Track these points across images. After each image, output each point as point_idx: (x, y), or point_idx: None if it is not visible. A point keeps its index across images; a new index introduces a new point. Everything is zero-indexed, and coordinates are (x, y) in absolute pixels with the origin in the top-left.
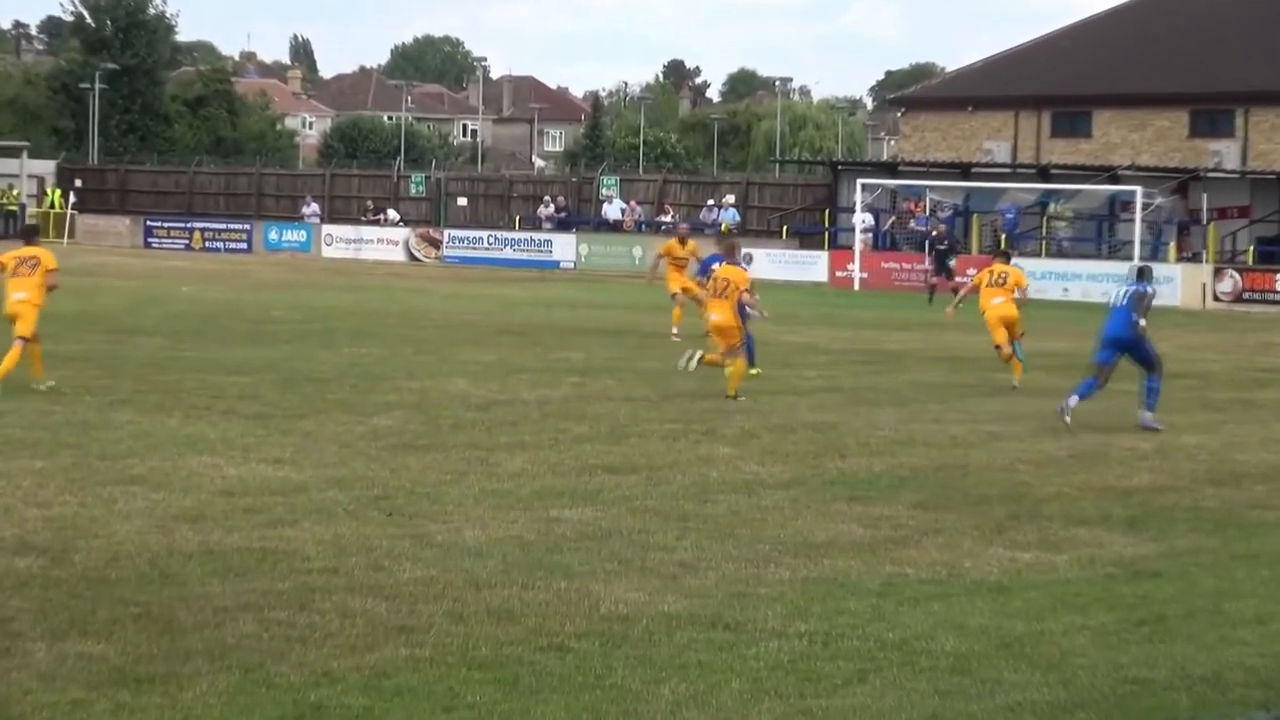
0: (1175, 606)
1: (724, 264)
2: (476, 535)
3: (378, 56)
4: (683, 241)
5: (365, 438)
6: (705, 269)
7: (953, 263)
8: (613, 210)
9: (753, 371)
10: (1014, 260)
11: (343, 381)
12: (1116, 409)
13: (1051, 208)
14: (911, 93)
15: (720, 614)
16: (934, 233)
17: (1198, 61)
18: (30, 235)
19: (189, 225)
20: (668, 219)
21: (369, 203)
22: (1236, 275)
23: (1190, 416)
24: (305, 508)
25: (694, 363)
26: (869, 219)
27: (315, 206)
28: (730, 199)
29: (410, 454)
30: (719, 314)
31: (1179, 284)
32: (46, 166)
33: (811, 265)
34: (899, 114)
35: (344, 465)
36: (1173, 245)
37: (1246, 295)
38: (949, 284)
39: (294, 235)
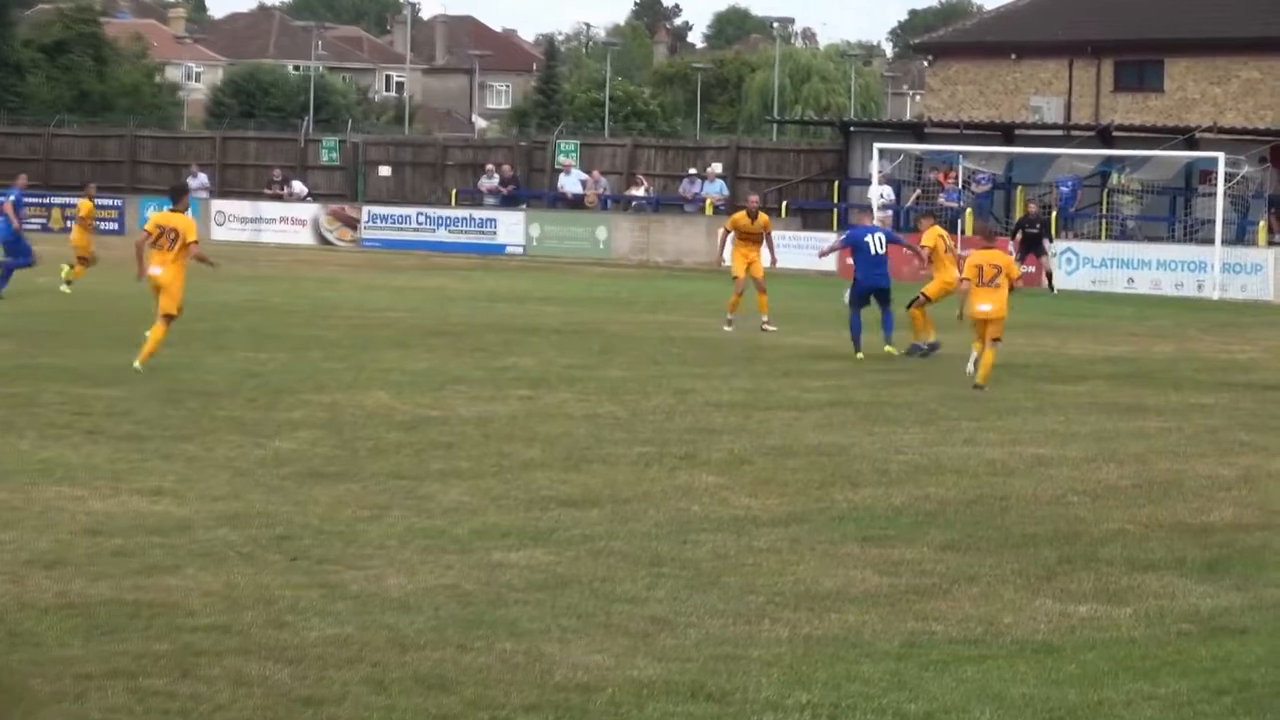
0: (1265, 671)
1: (986, 249)
2: (402, 584)
3: None
4: (753, 216)
5: (264, 464)
6: (854, 240)
7: (1048, 247)
8: (571, 182)
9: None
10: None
11: (236, 395)
12: (1191, 428)
13: (1114, 179)
14: (941, 37)
15: (702, 681)
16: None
17: None
18: (178, 196)
19: (47, 200)
20: (639, 193)
21: (276, 172)
22: None
23: None
24: (189, 550)
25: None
26: (888, 192)
27: (203, 178)
28: (717, 168)
29: (320, 484)
30: (993, 303)
31: (1270, 272)
32: None
33: (817, 249)
34: (925, 63)
35: (237, 498)
36: (1263, 225)
37: None
38: (1040, 271)
39: None
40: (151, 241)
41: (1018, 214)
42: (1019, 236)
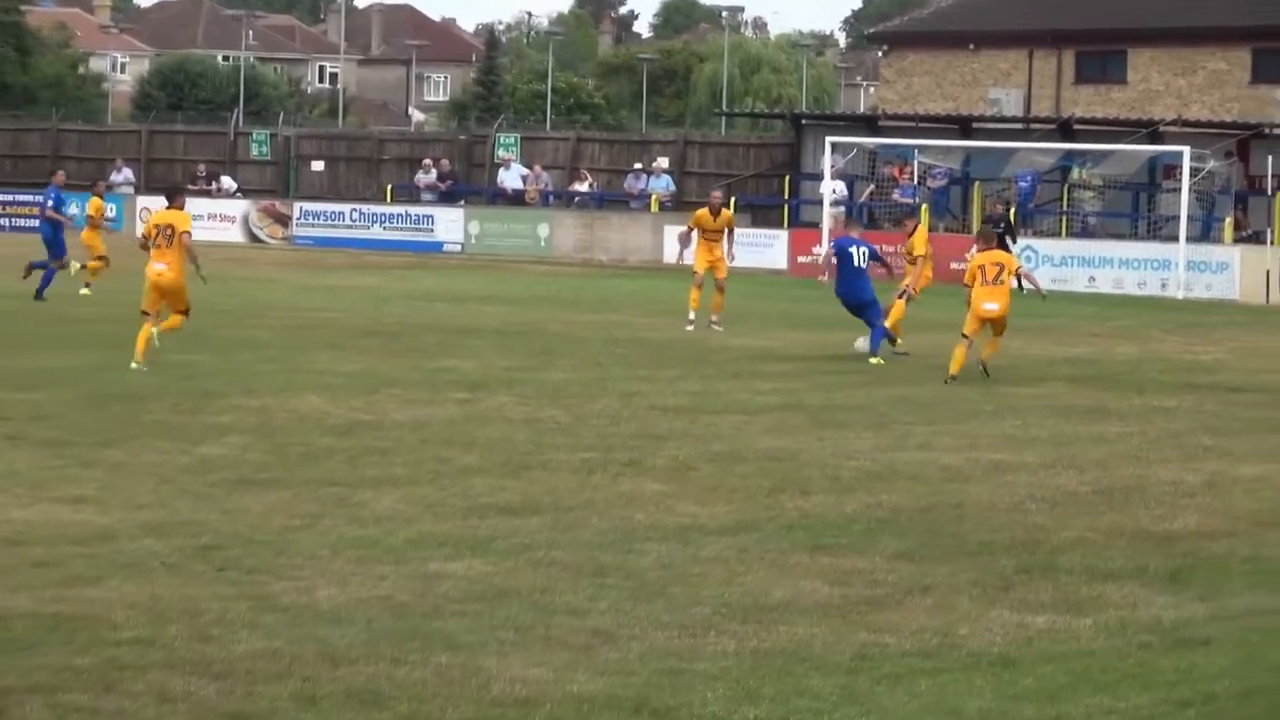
0: (1229, 684)
1: (988, 249)
2: (334, 596)
3: None
4: (715, 213)
5: (191, 471)
6: (838, 250)
7: (1014, 246)
8: (512, 178)
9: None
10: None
11: (162, 398)
12: (1153, 432)
13: (1075, 174)
14: (896, 26)
15: (646, 696)
16: (993, 209)
17: None
18: (172, 196)
19: None
20: (583, 188)
21: (201, 167)
22: None
23: (1250, 441)
24: (112, 561)
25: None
26: (841, 188)
27: (129, 173)
28: (663, 163)
29: (249, 492)
30: (999, 302)
31: (1237, 271)
32: None
33: (767, 248)
34: (880, 54)
35: (163, 506)
36: (1229, 222)
37: None
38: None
39: None
40: (150, 242)
41: (975, 210)
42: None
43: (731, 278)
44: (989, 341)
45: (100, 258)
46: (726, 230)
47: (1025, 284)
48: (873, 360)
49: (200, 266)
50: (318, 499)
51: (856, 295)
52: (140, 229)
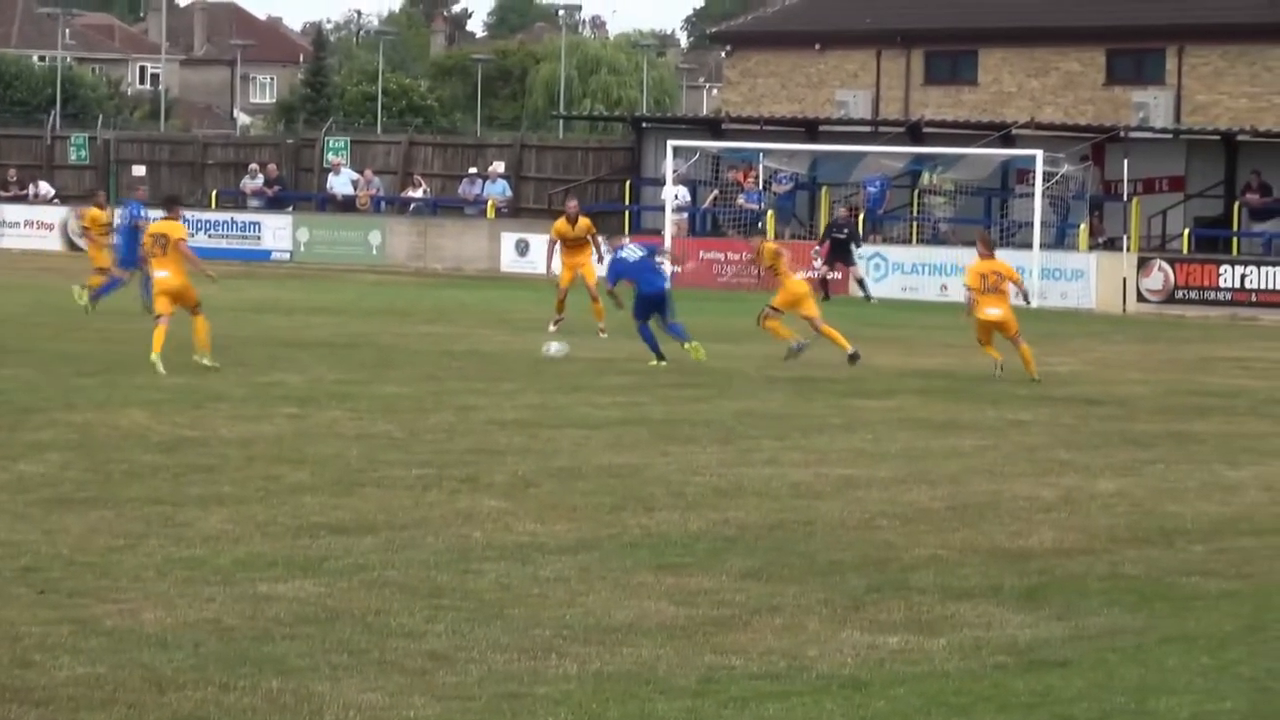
0: (1087, 706)
1: (989, 256)
2: (159, 619)
3: None
4: (573, 221)
5: (8, 489)
6: (617, 272)
7: (857, 252)
8: (341, 183)
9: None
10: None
11: None
12: (1008, 446)
13: (925, 178)
14: (739, 26)
15: None
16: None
17: None
18: (169, 205)
19: None
20: (417, 194)
21: (11, 172)
22: (1167, 267)
23: (1108, 455)
24: None
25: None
26: (683, 194)
27: None
28: (499, 167)
29: (69, 511)
30: (1000, 307)
31: (1092, 279)
32: None
33: (606, 255)
34: (723, 54)
35: None
36: (1084, 228)
37: (1180, 294)
38: (847, 278)
39: None
40: (147, 251)
41: (822, 217)
42: (827, 243)
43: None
44: (1018, 353)
45: (101, 270)
46: (591, 238)
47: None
48: (688, 346)
49: (206, 268)
50: (142, 518)
51: (660, 285)
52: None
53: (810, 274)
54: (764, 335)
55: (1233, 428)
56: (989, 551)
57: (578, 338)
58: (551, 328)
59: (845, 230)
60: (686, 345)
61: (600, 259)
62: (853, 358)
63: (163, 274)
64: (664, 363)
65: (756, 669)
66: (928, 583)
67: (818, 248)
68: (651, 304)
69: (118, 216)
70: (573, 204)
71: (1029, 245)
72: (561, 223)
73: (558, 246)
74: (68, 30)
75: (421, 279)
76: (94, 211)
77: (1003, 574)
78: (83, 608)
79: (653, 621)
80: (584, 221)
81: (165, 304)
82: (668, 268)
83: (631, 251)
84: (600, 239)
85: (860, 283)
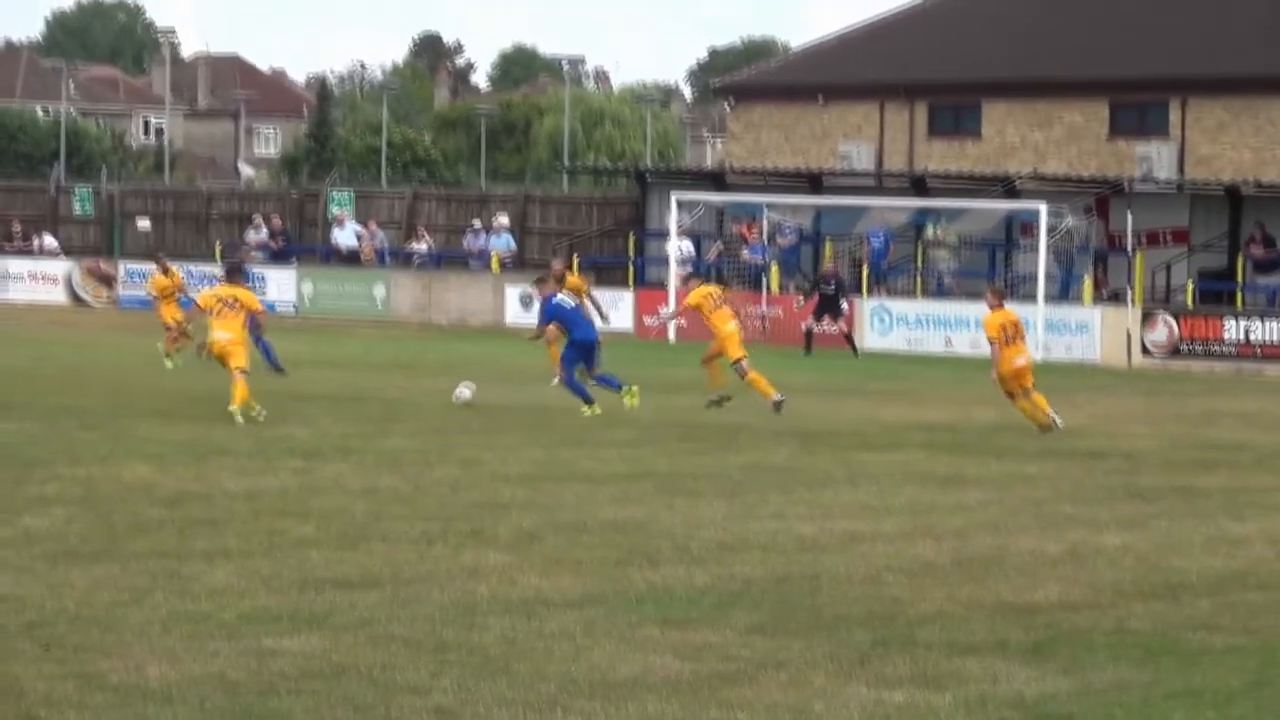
0: None
1: (1001, 307)
2: (164, 674)
3: (28, 28)
4: (559, 280)
5: (12, 544)
6: (551, 314)
7: (844, 307)
8: (346, 236)
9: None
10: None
11: None
12: (1013, 500)
13: (929, 231)
14: (744, 79)
15: None
16: (825, 269)
17: (1120, 38)
18: (233, 274)
19: None
20: (421, 247)
21: (16, 225)
22: (1171, 320)
23: (1113, 509)
24: None
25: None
26: (688, 247)
27: None
28: (503, 220)
29: (74, 565)
30: (1025, 355)
31: (1097, 332)
32: None
33: (611, 309)
34: (727, 107)
35: None
36: (1088, 281)
37: (1185, 347)
38: (839, 331)
39: None
40: (213, 314)
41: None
42: (815, 296)
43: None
44: (1027, 402)
45: (173, 326)
46: (587, 296)
47: (853, 344)
48: (627, 396)
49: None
50: (147, 572)
51: (593, 335)
52: (195, 302)
53: (757, 319)
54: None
55: (1238, 482)
56: (994, 606)
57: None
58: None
59: (833, 284)
60: (623, 392)
61: (603, 316)
62: (777, 405)
63: (224, 335)
64: (596, 409)
65: None
66: (933, 637)
67: (802, 300)
68: (584, 351)
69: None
70: (557, 264)
71: (1033, 298)
72: (551, 282)
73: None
74: (72, 83)
75: (426, 332)
76: (159, 279)
77: (1008, 629)
78: (88, 663)
79: (658, 676)
80: (573, 280)
81: (243, 357)
82: (598, 320)
83: (566, 300)
84: (594, 295)
85: (848, 337)
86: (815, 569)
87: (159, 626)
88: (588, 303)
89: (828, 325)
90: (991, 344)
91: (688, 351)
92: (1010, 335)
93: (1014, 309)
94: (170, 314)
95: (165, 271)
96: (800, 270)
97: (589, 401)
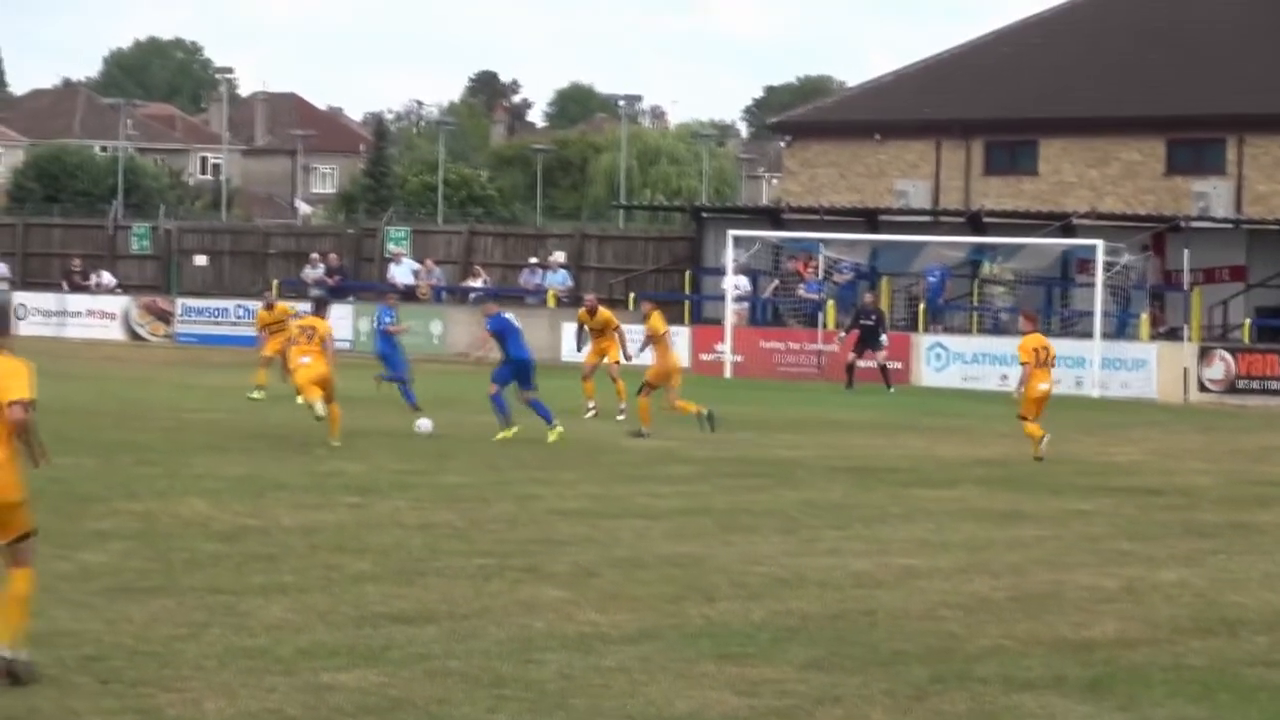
0: None
1: (1035, 330)
2: (221, 709)
3: (87, 66)
4: (591, 313)
5: (71, 579)
6: (493, 326)
7: (884, 340)
8: (403, 272)
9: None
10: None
11: (39, 503)
12: (1069, 536)
13: (986, 268)
14: (799, 116)
15: None
16: (864, 302)
17: (1177, 75)
18: (319, 307)
19: None
20: (477, 284)
21: (76, 262)
22: (1229, 357)
23: (1170, 546)
24: None
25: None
26: (744, 283)
27: (3, 267)
28: (560, 257)
29: (132, 600)
30: (1050, 382)
31: (1154, 368)
32: None
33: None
34: (783, 144)
35: (41, 615)
36: (1145, 318)
37: (1241, 384)
38: (874, 362)
39: None
40: (292, 341)
41: (883, 306)
42: (854, 331)
43: (632, 376)
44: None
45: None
46: (614, 331)
47: (888, 378)
48: (551, 434)
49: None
50: (204, 607)
51: (527, 355)
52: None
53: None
54: (827, 426)
55: None
56: (1052, 642)
57: (563, 416)
58: (586, 415)
59: (873, 317)
60: (550, 427)
61: (628, 356)
62: (709, 417)
63: (306, 360)
64: (515, 429)
65: None
66: (991, 673)
67: (843, 335)
68: (518, 369)
69: (376, 320)
70: (589, 298)
71: (1090, 335)
72: (582, 313)
73: (587, 331)
74: (129, 120)
75: (482, 368)
76: (262, 314)
77: (1066, 665)
78: (145, 697)
79: (715, 712)
80: (604, 314)
81: (311, 390)
82: (623, 354)
83: (509, 320)
84: (623, 333)
85: (883, 369)
86: (872, 604)
87: (216, 661)
88: (615, 338)
89: (868, 360)
90: (1024, 366)
91: (743, 388)
92: (1042, 359)
93: (1070, 345)
94: (273, 348)
95: (269, 307)
96: (856, 306)
97: (508, 424)
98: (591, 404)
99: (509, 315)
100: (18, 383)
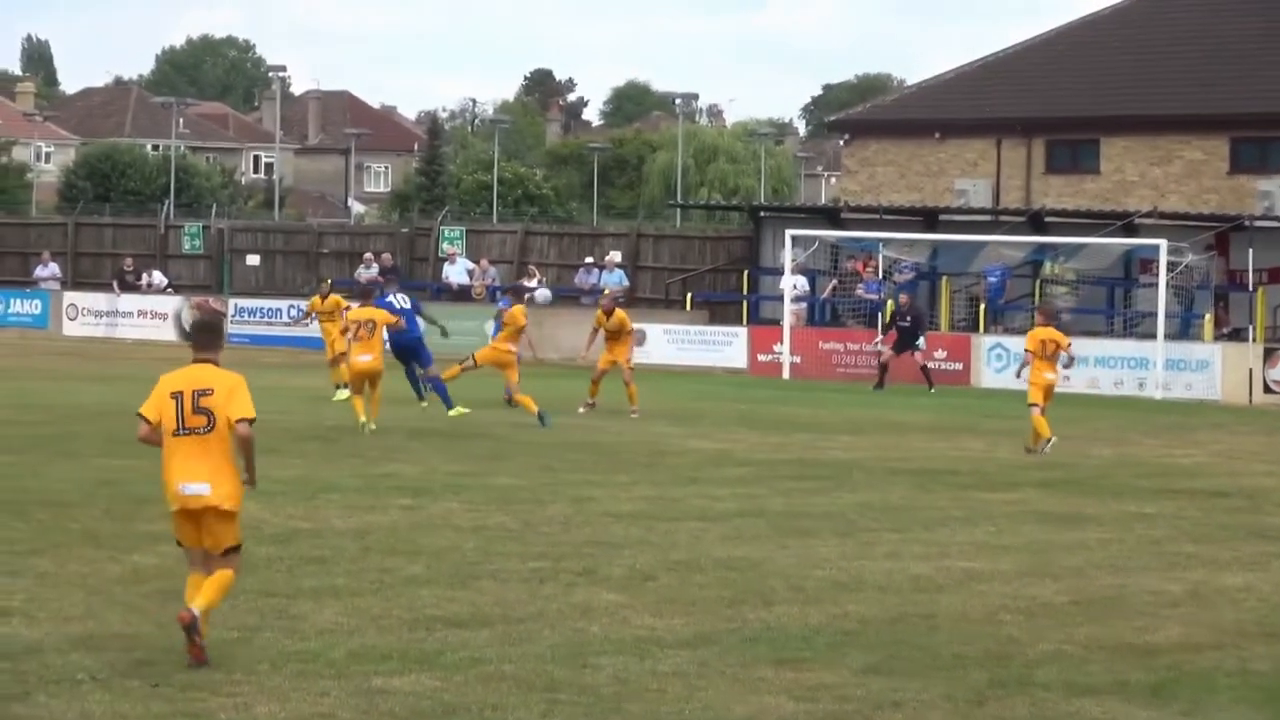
0: None
1: (1047, 324)
2: (273, 713)
3: (139, 65)
4: (608, 314)
5: (122, 581)
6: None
7: (922, 342)
8: (457, 272)
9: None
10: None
11: (91, 505)
12: (1132, 539)
13: (1047, 268)
14: (858, 114)
15: None
16: (900, 302)
17: (1240, 73)
18: (366, 295)
19: None
20: (532, 284)
21: (128, 262)
22: None
23: (1235, 549)
24: (40, 676)
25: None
26: (802, 283)
27: (54, 267)
28: (616, 257)
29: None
30: (1055, 374)
31: (1218, 369)
32: None
33: (725, 346)
34: (841, 142)
35: (93, 618)
36: (1209, 318)
37: None
38: (916, 363)
39: (25, 306)
40: (352, 335)
41: (943, 306)
42: (892, 331)
43: (689, 377)
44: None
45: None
46: (628, 334)
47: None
48: (451, 413)
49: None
50: (256, 610)
51: (415, 334)
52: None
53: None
54: (885, 427)
55: None
56: (1114, 647)
57: (698, 428)
58: (581, 410)
59: (909, 318)
60: (451, 411)
61: (627, 360)
62: (541, 417)
63: (366, 357)
64: (424, 404)
65: None
66: (1052, 678)
67: (880, 336)
68: (406, 350)
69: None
70: (606, 300)
71: (1152, 335)
72: (599, 314)
73: (600, 335)
74: (181, 119)
75: (536, 368)
76: (315, 300)
77: (1128, 670)
78: (197, 701)
79: (772, 717)
80: (620, 315)
81: (360, 384)
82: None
83: (396, 300)
84: (634, 334)
85: (924, 369)
86: (931, 608)
87: (268, 665)
88: (628, 341)
89: (907, 358)
90: (1026, 353)
91: (801, 389)
92: (1048, 353)
93: (1133, 346)
94: (338, 343)
95: (324, 296)
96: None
97: (420, 398)
98: (591, 401)
99: (392, 297)
100: (241, 400)
